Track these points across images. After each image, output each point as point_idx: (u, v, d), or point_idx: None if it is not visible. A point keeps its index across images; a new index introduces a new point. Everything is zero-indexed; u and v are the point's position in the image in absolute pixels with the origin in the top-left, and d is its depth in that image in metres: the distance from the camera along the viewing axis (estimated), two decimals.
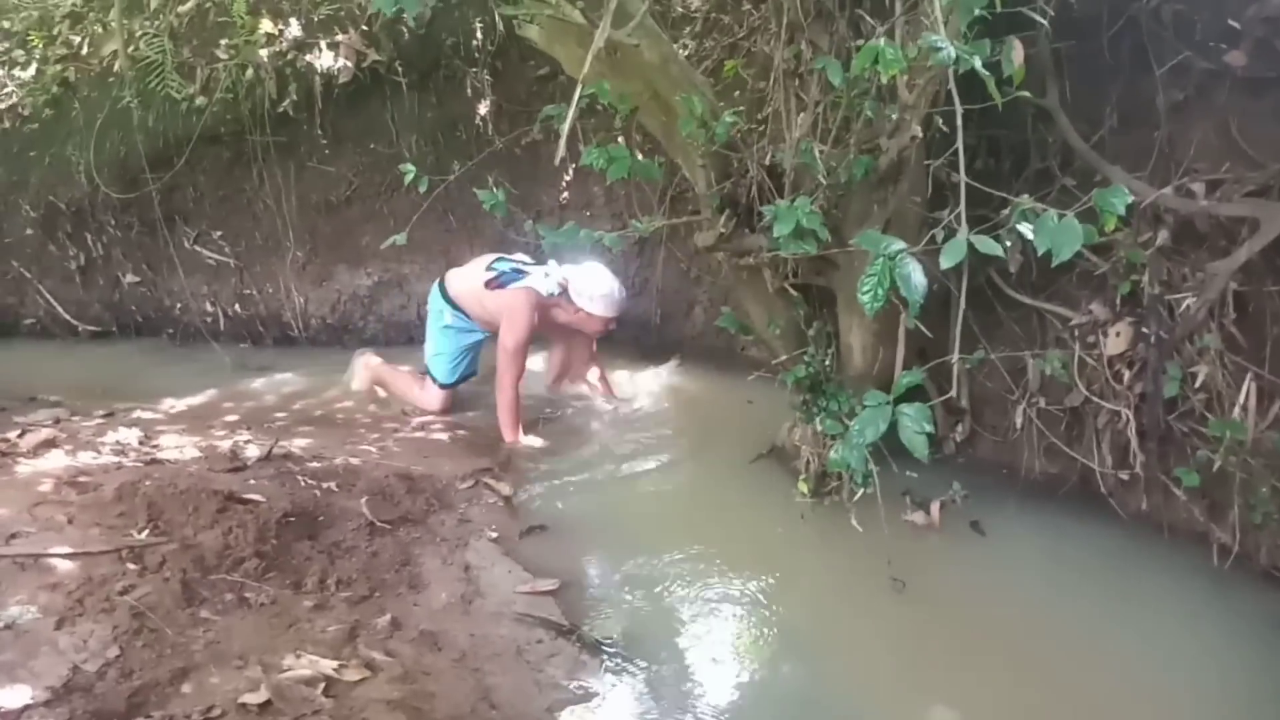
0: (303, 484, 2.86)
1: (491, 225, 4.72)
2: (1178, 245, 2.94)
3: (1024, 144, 3.29)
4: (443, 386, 3.96)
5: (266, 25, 4.63)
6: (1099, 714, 2.27)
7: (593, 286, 3.71)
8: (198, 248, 5.12)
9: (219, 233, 5.09)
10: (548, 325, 3.85)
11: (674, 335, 4.69)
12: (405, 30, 4.56)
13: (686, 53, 4.33)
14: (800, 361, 3.11)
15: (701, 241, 3.38)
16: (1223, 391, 2.80)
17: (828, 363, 3.12)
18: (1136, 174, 3.00)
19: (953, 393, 2.44)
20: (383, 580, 2.46)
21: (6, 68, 5.12)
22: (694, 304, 4.69)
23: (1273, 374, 2.76)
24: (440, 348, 3.93)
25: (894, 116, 2.74)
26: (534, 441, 3.66)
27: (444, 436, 3.73)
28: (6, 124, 5.09)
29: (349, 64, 4.59)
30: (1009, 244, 1.96)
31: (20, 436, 3.04)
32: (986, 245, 1.89)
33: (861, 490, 2.82)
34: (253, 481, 2.80)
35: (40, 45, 5.05)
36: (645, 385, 4.26)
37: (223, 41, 4.69)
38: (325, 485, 2.89)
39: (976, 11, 2.21)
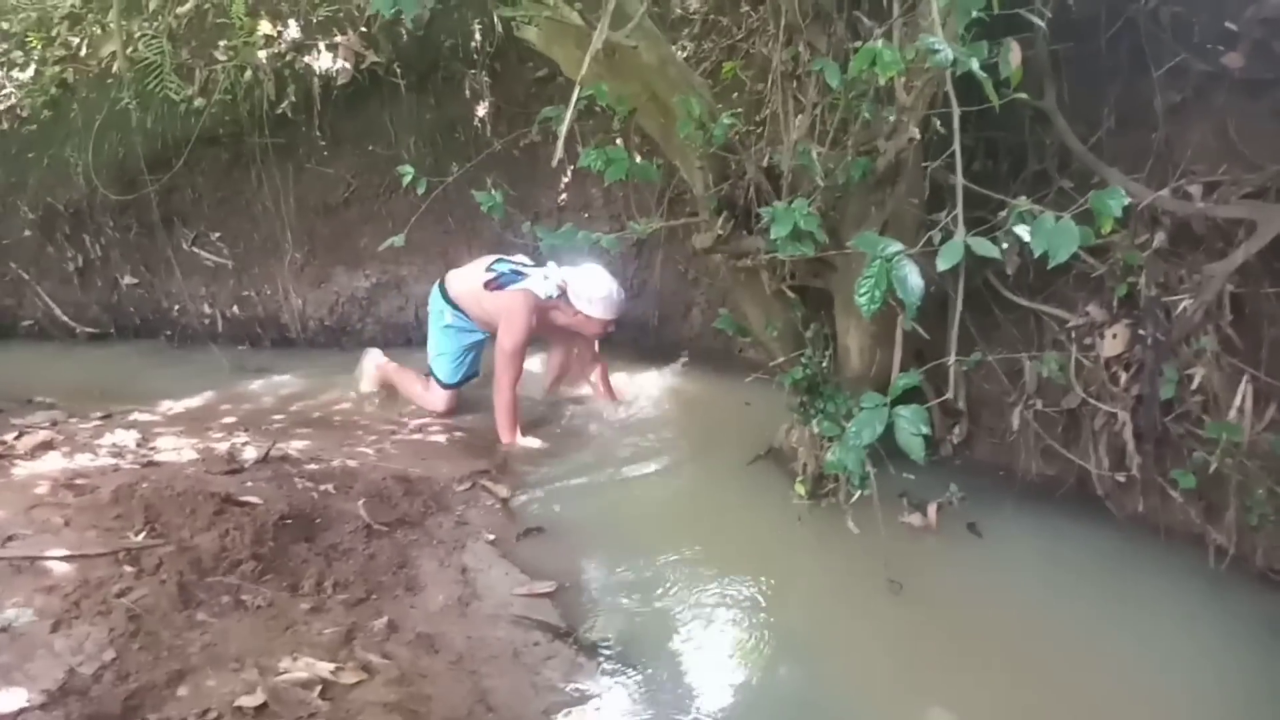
0: (300, 486, 2.86)
1: (490, 227, 4.72)
2: (1175, 247, 2.94)
3: (1022, 146, 3.29)
4: (446, 387, 3.96)
5: (265, 27, 4.63)
6: (1096, 715, 2.27)
7: (591, 289, 3.71)
8: (196, 249, 5.12)
9: (217, 234, 5.09)
10: (546, 328, 3.85)
11: (672, 337, 4.69)
12: (404, 32, 4.56)
13: (685, 54, 4.34)
14: (798, 363, 3.11)
15: (699, 243, 3.38)
16: (1219, 393, 2.79)
17: (825, 364, 3.12)
18: (1134, 176, 3.00)
19: (950, 394, 2.45)
20: (380, 582, 2.46)
21: (5, 69, 5.12)
22: (692, 306, 4.69)
23: (1269, 376, 2.76)
24: (442, 348, 3.93)
25: (891, 118, 2.74)
26: (531, 443, 3.66)
27: (441, 438, 3.73)
28: (5, 125, 5.10)
29: (347, 65, 4.59)
30: (1006, 246, 1.97)
31: (17, 438, 3.04)
32: (983, 247, 1.90)
33: (859, 492, 2.82)
34: (250, 484, 2.79)
35: (39, 46, 5.05)
36: (645, 386, 4.26)
37: (221, 43, 4.69)
38: (323, 487, 2.89)
39: (974, 13, 2.21)
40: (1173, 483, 2.86)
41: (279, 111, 4.65)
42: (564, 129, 2.39)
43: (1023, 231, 1.92)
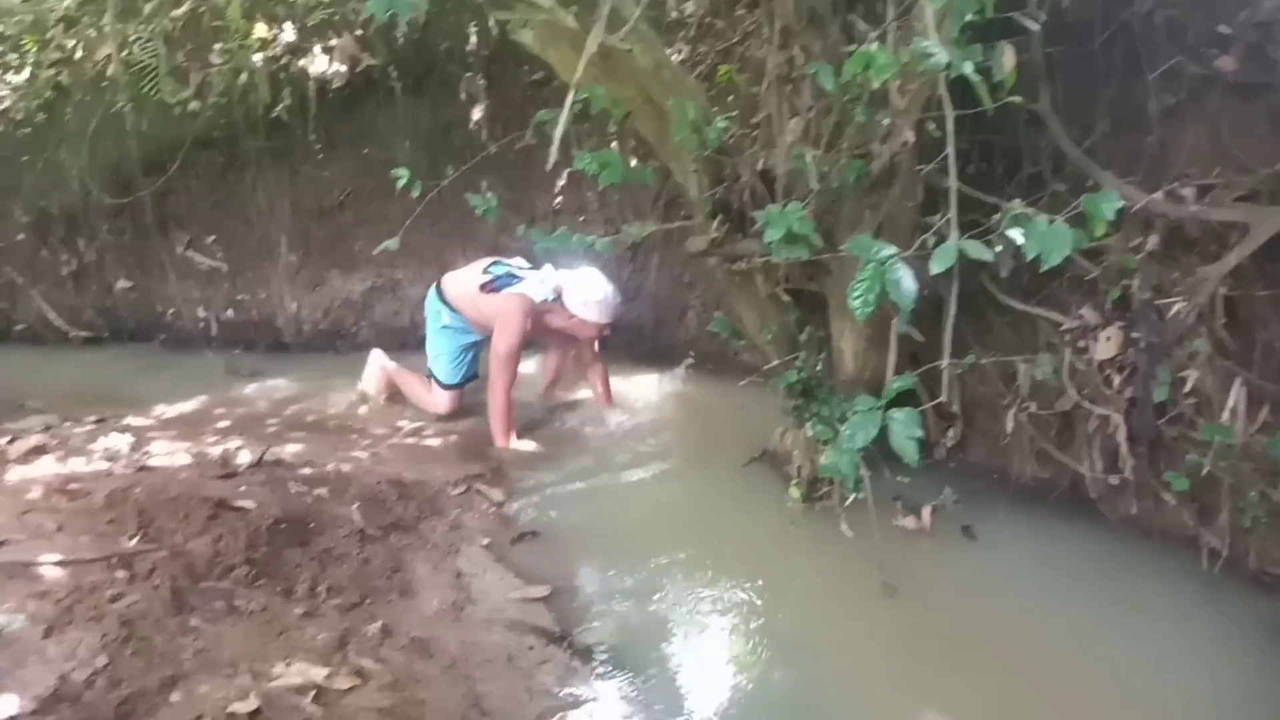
0: (294, 491, 2.85)
1: (485, 230, 4.72)
2: (1168, 250, 2.94)
3: (1016, 149, 3.29)
4: (447, 387, 3.95)
5: (260, 30, 4.63)
6: (1090, 718, 2.26)
7: (586, 292, 3.71)
8: (190, 253, 5.11)
9: (212, 238, 5.09)
10: (542, 331, 3.85)
11: (668, 340, 4.69)
12: (399, 35, 4.56)
13: (680, 58, 4.34)
14: (792, 366, 3.12)
15: (694, 247, 3.38)
16: (1213, 396, 2.80)
17: (819, 368, 3.13)
18: (1128, 179, 3.00)
19: (944, 398, 2.45)
20: (373, 587, 2.45)
21: (0, 72, 5.11)
22: (687, 309, 4.68)
23: (1262, 378, 2.76)
24: (440, 349, 3.93)
25: (886, 122, 2.74)
26: (526, 447, 3.66)
27: (436, 442, 3.72)
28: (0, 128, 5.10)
29: (343, 69, 4.59)
30: (1000, 249, 1.97)
31: (10, 443, 3.03)
32: (977, 250, 1.90)
33: (853, 495, 2.82)
34: (244, 488, 2.79)
35: (34, 50, 5.05)
36: (642, 390, 4.26)
37: (216, 46, 4.69)
38: (316, 492, 2.88)
39: (968, 17, 2.22)
40: (1166, 485, 2.87)
41: (274, 115, 4.65)
42: (559, 132, 2.40)
43: (1016, 235, 1.93)
